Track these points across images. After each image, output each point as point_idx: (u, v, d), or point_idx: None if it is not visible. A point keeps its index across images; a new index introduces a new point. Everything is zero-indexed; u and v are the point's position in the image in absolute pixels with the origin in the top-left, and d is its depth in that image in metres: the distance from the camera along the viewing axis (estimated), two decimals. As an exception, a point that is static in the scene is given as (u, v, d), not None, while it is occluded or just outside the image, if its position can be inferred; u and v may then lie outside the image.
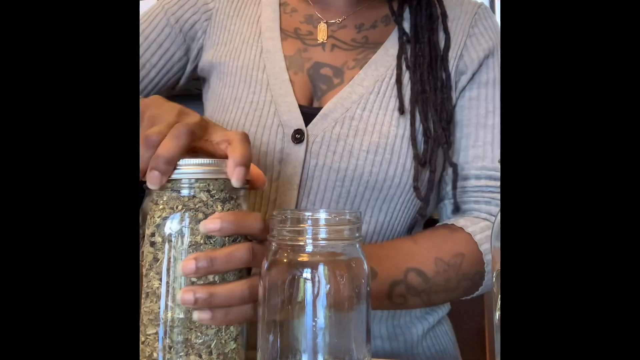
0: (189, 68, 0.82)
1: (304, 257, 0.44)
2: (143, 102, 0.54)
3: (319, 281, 0.43)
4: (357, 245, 0.46)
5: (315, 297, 0.43)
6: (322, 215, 0.45)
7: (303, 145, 0.69)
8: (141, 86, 0.77)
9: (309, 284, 0.43)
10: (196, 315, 0.46)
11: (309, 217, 0.44)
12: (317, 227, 0.44)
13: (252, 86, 0.73)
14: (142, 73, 0.77)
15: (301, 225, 0.44)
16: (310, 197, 0.69)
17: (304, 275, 0.43)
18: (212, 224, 0.46)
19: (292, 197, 0.69)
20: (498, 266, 0.45)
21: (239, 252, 0.47)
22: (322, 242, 0.44)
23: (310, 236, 0.44)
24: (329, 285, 0.43)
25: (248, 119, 0.71)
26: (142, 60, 0.77)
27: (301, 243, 0.44)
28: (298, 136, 0.69)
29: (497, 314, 0.45)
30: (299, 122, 0.70)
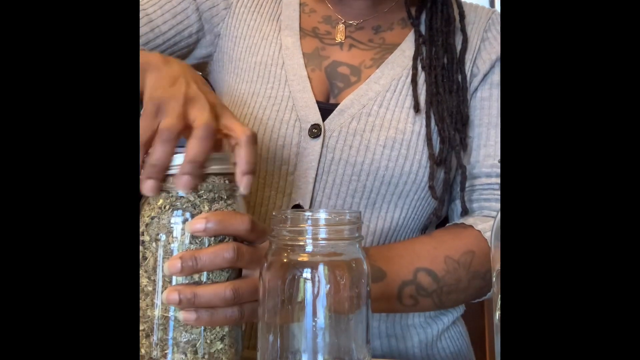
0: (201, 51, 0.82)
1: (304, 257, 0.44)
2: (143, 57, 0.53)
3: (319, 281, 0.43)
4: (357, 245, 0.46)
5: (315, 297, 0.43)
6: (322, 215, 0.45)
7: (320, 140, 0.70)
8: (146, 49, 0.77)
9: (309, 284, 0.43)
10: (182, 315, 0.47)
11: (309, 217, 0.44)
12: (317, 227, 0.44)
13: (270, 81, 0.74)
14: (149, 36, 0.77)
15: (301, 225, 0.44)
16: (326, 190, 0.70)
17: (304, 275, 0.43)
18: (197, 224, 0.47)
19: (307, 190, 0.70)
20: (498, 266, 0.45)
21: (224, 251, 0.47)
22: (322, 242, 0.44)
23: (310, 236, 0.44)
24: (329, 285, 0.43)
25: (266, 113, 0.72)
26: (152, 25, 0.77)
27: (301, 243, 0.44)
28: (315, 130, 0.70)
29: (497, 314, 0.45)
30: (316, 117, 0.71)
